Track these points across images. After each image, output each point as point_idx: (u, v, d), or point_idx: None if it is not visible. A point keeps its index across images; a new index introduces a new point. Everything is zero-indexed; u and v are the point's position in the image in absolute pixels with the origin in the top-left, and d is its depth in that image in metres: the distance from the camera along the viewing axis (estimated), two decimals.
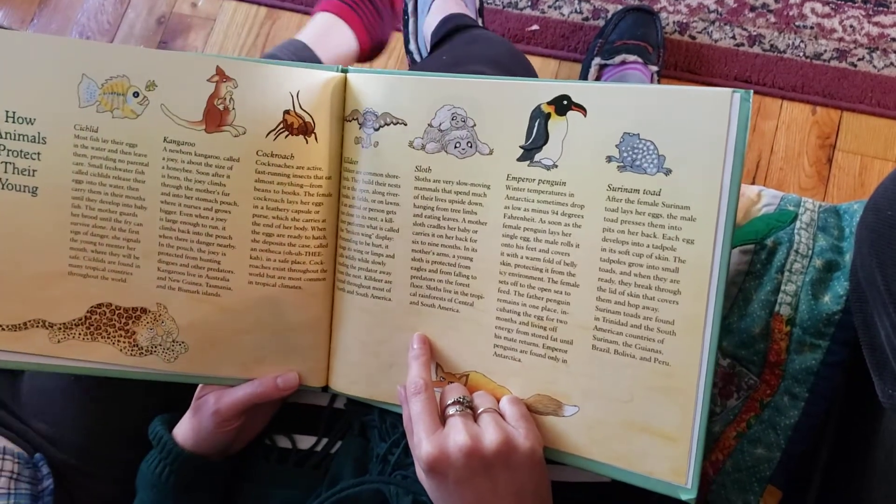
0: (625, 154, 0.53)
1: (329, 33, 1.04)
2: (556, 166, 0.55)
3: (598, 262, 0.54)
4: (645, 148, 0.52)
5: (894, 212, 0.48)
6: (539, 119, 0.55)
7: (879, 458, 0.57)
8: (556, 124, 0.55)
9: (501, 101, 0.57)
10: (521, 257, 0.57)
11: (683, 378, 0.53)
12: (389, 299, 0.60)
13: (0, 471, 0.67)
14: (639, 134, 0.52)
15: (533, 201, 0.56)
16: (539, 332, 0.57)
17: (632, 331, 0.54)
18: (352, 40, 1.07)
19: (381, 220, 0.60)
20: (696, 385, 0.53)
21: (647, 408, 0.54)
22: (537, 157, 0.56)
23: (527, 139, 0.56)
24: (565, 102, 0.54)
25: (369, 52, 1.11)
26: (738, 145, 0.50)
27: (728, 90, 0.50)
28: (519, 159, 0.56)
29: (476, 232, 0.58)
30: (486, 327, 0.58)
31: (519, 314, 0.57)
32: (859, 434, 0.61)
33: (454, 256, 0.58)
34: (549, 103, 0.55)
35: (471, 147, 0.57)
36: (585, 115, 0.54)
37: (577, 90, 0.54)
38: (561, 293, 0.56)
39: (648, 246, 0.53)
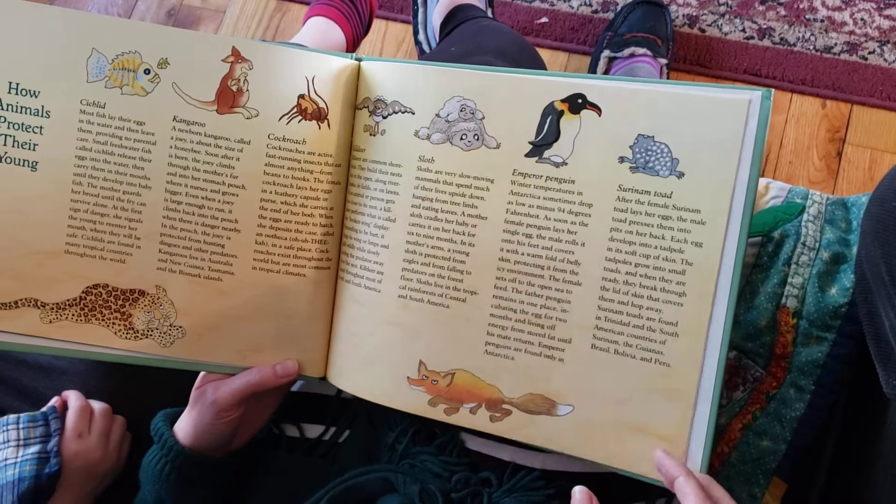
0: (638, 155, 0.54)
1: (325, 35, 1.12)
2: (566, 164, 0.56)
3: (602, 262, 0.56)
4: (659, 150, 0.53)
5: None
6: (551, 116, 0.56)
7: (885, 450, 0.58)
8: (568, 122, 0.55)
9: (513, 96, 0.58)
10: (522, 254, 0.57)
11: (684, 379, 0.55)
12: (379, 291, 0.61)
13: (6, 442, 0.68)
14: (654, 136, 0.54)
15: (539, 198, 0.57)
16: (536, 330, 0.58)
17: (633, 331, 0.56)
18: (342, 40, 1.15)
19: (380, 210, 0.60)
20: (696, 387, 0.55)
21: (645, 408, 0.56)
22: (546, 153, 0.56)
23: (537, 135, 0.56)
24: (580, 101, 0.55)
25: (352, 49, 1.20)
26: (756, 146, 0.52)
27: (745, 97, 0.52)
28: (527, 155, 0.57)
29: (475, 226, 0.58)
30: (477, 324, 0.59)
31: (515, 311, 0.58)
32: (865, 426, 0.63)
33: (449, 250, 0.59)
34: (562, 101, 0.56)
35: (477, 139, 0.57)
36: (600, 115, 0.54)
37: (592, 88, 0.55)
38: (562, 291, 0.57)
39: (656, 247, 0.54)
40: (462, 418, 0.60)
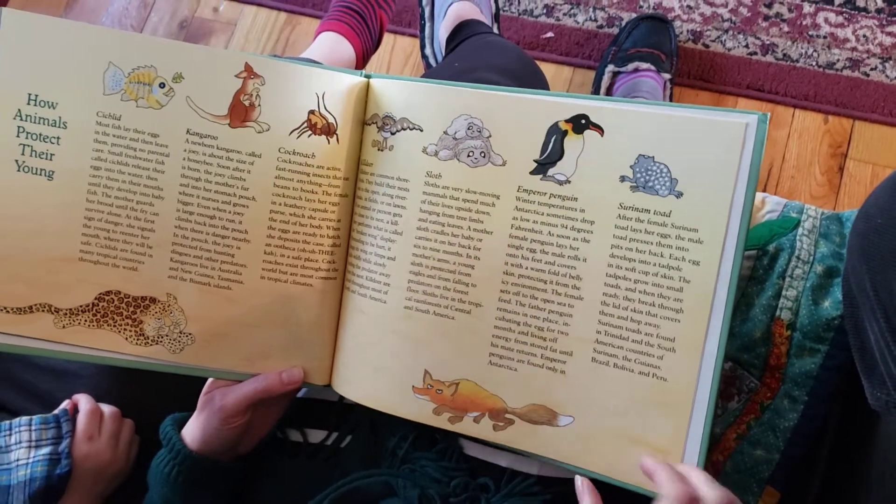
0: (638, 175, 0.55)
1: (335, 50, 1.14)
2: (569, 182, 0.57)
3: (603, 277, 0.57)
4: (659, 170, 0.54)
5: (884, 220, 0.51)
6: (555, 135, 0.57)
7: (876, 460, 0.59)
8: (572, 142, 0.56)
9: (519, 115, 0.59)
10: (526, 268, 0.58)
11: (680, 393, 0.56)
12: (385, 301, 0.62)
13: (19, 443, 0.69)
14: (654, 157, 0.55)
15: (543, 214, 0.58)
16: (538, 343, 0.59)
17: (632, 345, 0.57)
18: (352, 55, 1.16)
19: (387, 223, 0.61)
20: (691, 401, 0.56)
21: (642, 421, 0.57)
22: (551, 171, 0.57)
23: (541, 154, 0.57)
24: (583, 122, 0.56)
25: (362, 64, 1.22)
26: (752, 168, 0.53)
27: (742, 120, 0.53)
28: (532, 172, 0.58)
29: (481, 240, 0.59)
30: (482, 336, 0.60)
31: (519, 324, 0.59)
32: (857, 437, 0.64)
33: (455, 263, 0.60)
34: (566, 121, 0.57)
35: (484, 157, 0.58)
36: (602, 136, 0.55)
37: (595, 110, 0.56)
38: (564, 305, 0.58)
39: (655, 265, 0.55)
40: (466, 427, 0.61)
